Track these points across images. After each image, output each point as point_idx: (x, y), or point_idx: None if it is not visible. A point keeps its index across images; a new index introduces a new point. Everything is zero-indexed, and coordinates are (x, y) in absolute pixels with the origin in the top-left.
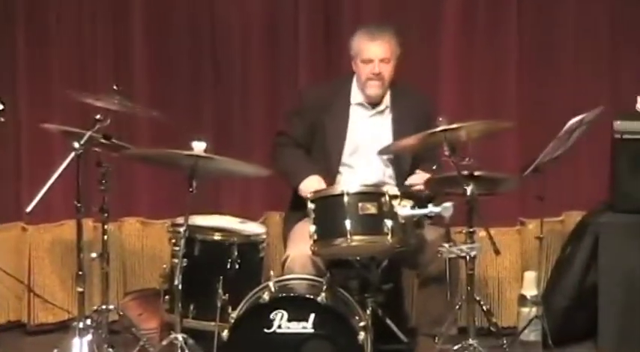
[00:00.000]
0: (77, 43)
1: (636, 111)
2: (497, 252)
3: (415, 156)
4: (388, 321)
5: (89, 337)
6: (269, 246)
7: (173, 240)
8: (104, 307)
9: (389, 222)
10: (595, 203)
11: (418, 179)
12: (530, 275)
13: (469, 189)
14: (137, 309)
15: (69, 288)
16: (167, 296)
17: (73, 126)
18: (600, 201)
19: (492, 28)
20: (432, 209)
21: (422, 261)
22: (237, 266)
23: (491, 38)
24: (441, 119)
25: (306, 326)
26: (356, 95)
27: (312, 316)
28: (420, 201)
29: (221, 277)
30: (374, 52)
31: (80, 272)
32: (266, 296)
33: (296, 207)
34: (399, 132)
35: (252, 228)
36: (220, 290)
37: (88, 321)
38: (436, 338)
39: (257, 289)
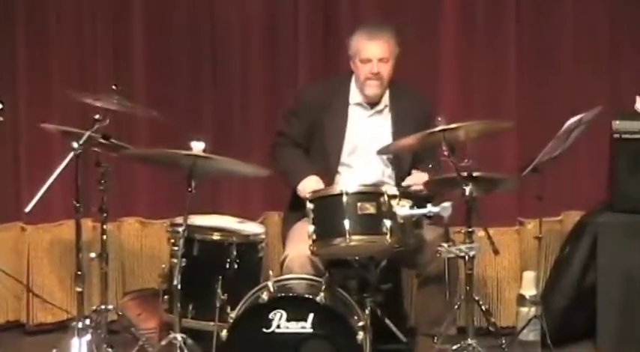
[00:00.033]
0: (77, 43)
1: (635, 111)
2: (496, 251)
3: (415, 156)
4: (387, 321)
5: (88, 337)
6: (268, 245)
7: (172, 240)
8: (103, 307)
9: (388, 222)
10: (594, 203)
11: (415, 179)
12: (529, 275)
13: (468, 190)
14: (136, 309)
15: (68, 288)
16: (166, 296)
17: (72, 126)
18: (599, 201)
19: (492, 28)
20: (430, 209)
21: (421, 261)
22: (236, 266)
23: (490, 38)
24: (439, 119)
25: (305, 326)
26: (354, 95)
27: (311, 316)
28: (418, 200)
29: (220, 277)
30: (372, 52)
31: (79, 272)
32: (265, 296)
33: (295, 207)
34: (398, 131)
35: (251, 227)
36: (219, 290)
37: (87, 321)
38: (435, 337)
39: (256, 289)
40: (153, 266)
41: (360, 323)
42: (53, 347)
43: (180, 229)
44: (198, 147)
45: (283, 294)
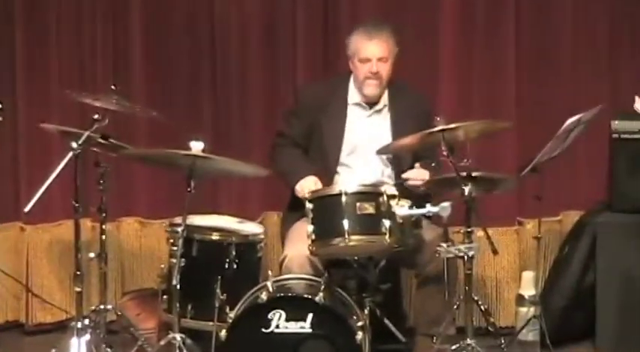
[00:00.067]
0: (76, 43)
1: (634, 111)
2: (495, 251)
3: (415, 156)
4: (386, 321)
5: (87, 337)
6: (267, 245)
7: (171, 240)
8: (102, 307)
9: (387, 222)
10: (593, 203)
11: (415, 175)
12: (528, 275)
13: (467, 190)
14: (135, 309)
15: (67, 288)
16: (165, 296)
17: (71, 126)
18: (598, 201)
19: (491, 28)
20: (429, 209)
21: (420, 261)
22: (235, 266)
23: (490, 38)
24: (438, 119)
25: (304, 326)
26: (353, 95)
27: (310, 316)
28: (416, 198)
29: (219, 277)
30: (372, 51)
31: (78, 272)
32: (264, 296)
33: (294, 207)
34: (397, 131)
35: (250, 227)
36: (218, 290)
37: (86, 321)
38: (434, 337)
39: (255, 289)
40: (152, 266)
41: (359, 323)
42: (52, 347)
43: (180, 229)
44: (197, 147)
45: (282, 294)
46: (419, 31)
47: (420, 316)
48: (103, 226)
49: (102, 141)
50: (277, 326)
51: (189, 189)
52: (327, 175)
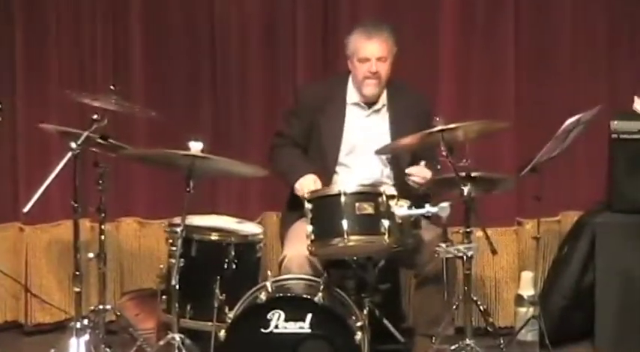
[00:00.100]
0: (76, 43)
1: (633, 111)
2: (494, 251)
3: (414, 156)
4: (385, 321)
5: (86, 337)
6: (266, 246)
7: (170, 240)
8: (101, 307)
9: (386, 222)
10: (592, 203)
11: (419, 172)
12: (527, 275)
13: (466, 190)
14: (134, 309)
15: (66, 288)
16: (164, 297)
17: (70, 127)
18: (597, 201)
19: (491, 28)
20: (429, 209)
21: (419, 261)
22: (234, 267)
23: (489, 38)
24: (437, 119)
25: (303, 326)
26: (352, 95)
27: (309, 316)
28: (415, 199)
29: (218, 277)
30: (371, 51)
31: (77, 273)
32: (263, 296)
33: (293, 207)
34: (396, 131)
35: (250, 228)
36: (217, 291)
37: (85, 321)
38: (433, 338)
39: (254, 289)
40: (151, 266)
41: (358, 324)
42: (51, 347)
43: (179, 229)
44: (196, 147)
45: (281, 294)
46: (418, 31)
47: (419, 316)
48: (102, 226)
49: (101, 141)
50: (276, 327)
51: (188, 190)
52: (326, 175)
